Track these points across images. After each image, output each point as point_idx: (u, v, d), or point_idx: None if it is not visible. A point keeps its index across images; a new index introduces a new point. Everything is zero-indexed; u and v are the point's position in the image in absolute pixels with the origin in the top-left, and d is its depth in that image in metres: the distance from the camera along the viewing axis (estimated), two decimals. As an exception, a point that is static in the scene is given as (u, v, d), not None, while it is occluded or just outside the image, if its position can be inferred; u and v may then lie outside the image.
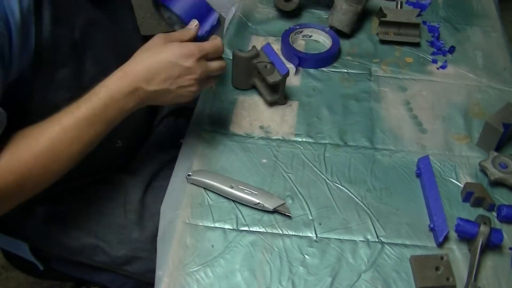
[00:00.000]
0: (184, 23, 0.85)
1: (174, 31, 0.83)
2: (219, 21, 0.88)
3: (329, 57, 1.09)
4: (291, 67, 1.07)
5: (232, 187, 0.83)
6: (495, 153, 0.88)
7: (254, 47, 0.98)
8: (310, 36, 1.16)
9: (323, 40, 1.15)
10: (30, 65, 0.70)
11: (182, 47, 0.76)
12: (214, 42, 0.80)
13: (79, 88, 0.77)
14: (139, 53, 0.76)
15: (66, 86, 0.76)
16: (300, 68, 1.08)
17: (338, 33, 1.14)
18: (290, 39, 1.11)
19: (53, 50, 0.72)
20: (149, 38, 1.11)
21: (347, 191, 0.86)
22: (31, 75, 0.71)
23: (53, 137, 0.70)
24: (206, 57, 0.78)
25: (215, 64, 0.80)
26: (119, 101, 0.73)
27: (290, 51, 1.08)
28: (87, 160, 0.77)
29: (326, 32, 1.14)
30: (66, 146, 0.71)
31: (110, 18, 0.85)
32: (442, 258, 0.76)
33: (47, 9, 0.70)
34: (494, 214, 0.83)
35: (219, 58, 0.81)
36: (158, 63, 0.75)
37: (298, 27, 1.14)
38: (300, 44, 1.14)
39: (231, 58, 1.00)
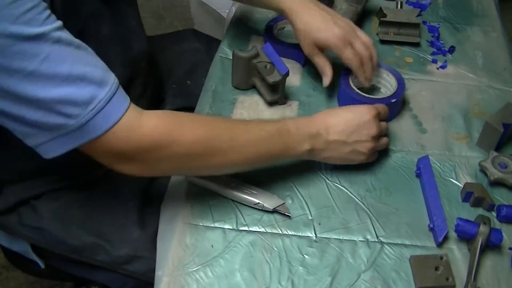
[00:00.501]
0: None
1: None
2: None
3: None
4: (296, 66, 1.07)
5: (232, 187, 0.83)
6: (495, 153, 0.88)
7: (254, 47, 0.98)
8: (283, 28, 1.15)
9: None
10: None
11: (359, 106, 0.85)
12: (383, 105, 0.88)
13: None
14: (325, 111, 0.85)
15: None
16: (301, 67, 1.08)
17: None
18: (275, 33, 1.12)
19: None
20: (148, 37, 1.10)
21: (346, 191, 0.86)
22: None
23: (235, 129, 0.76)
24: (379, 116, 0.85)
25: (384, 124, 0.87)
26: (300, 135, 0.80)
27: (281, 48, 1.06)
28: (90, 158, 0.77)
29: None
30: (244, 143, 0.76)
31: (113, 13, 0.85)
32: (441, 258, 0.76)
33: None
34: (494, 214, 0.83)
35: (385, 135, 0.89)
36: (340, 117, 0.83)
37: (272, 23, 1.13)
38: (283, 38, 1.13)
39: (231, 58, 1.00)
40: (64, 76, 0.63)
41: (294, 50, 1.07)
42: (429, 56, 1.13)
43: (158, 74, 1.07)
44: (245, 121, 0.78)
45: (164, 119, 0.71)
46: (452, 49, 1.14)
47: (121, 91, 0.69)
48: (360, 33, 0.96)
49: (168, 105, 1.08)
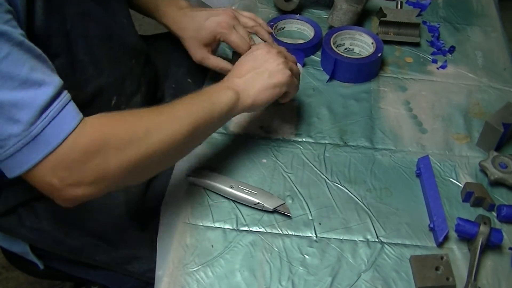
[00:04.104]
0: None
1: None
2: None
3: (316, 44, 1.12)
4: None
5: (232, 187, 0.83)
6: (495, 153, 0.88)
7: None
8: (283, 28, 1.16)
9: (298, 29, 1.18)
10: None
11: (262, 46, 0.88)
12: (281, 47, 0.91)
13: (73, 79, 0.78)
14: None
15: (61, 77, 0.76)
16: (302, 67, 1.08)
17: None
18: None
19: (47, 40, 0.72)
20: (147, 37, 1.10)
21: (347, 191, 0.86)
22: None
23: (161, 109, 0.75)
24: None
25: (289, 56, 0.89)
26: (218, 89, 0.81)
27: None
28: None
29: (298, 19, 1.17)
30: (174, 115, 0.75)
31: (103, 10, 0.85)
32: (442, 258, 0.76)
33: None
34: (494, 214, 0.83)
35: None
36: (240, 62, 0.86)
37: (271, 23, 1.14)
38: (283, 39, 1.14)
39: (231, 57, 1.00)
40: (22, 79, 0.62)
41: (294, 50, 1.07)
42: (429, 56, 1.13)
43: (155, 71, 1.07)
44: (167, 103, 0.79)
45: (100, 118, 0.70)
46: (452, 49, 1.14)
47: (73, 104, 0.67)
48: (241, 12, 1.02)
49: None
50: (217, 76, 1.06)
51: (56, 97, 0.65)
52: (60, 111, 0.65)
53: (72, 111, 0.66)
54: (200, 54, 0.99)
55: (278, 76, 0.84)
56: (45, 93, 0.63)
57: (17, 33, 0.62)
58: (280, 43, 1.08)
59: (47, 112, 0.63)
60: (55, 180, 0.66)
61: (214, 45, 1.00)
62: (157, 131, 0.72)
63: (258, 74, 0.84)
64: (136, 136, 0.70)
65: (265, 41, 0.99)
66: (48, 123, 0.63)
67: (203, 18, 0.97)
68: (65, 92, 0.67)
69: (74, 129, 0.65)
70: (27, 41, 0.63)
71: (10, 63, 0.61)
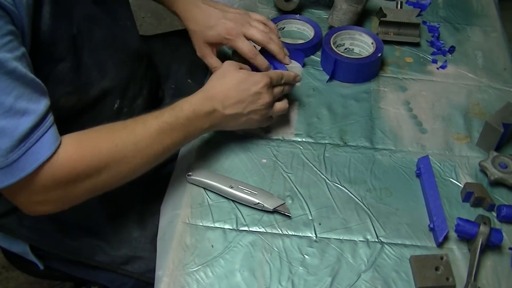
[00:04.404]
0: None
1: None
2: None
3: (316, 44, 1.12)
4: (297, 66, 1.07)
5: (232, 187, 0.83)
6: (495, 153, 0.88)
7: (254, 47, 0.98)
8: (283, 28, 1.16)
9: (298, 29, 1.18)
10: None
11: (252, 75, 0.86)
12: (276, 72, 0.90)
13: (77, 82, 0.78)
14: (216, 77, 0.85)
15: (65, 80, 0.77)
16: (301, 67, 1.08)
17: None
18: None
19: (52, 44, 0.73)
20: (148, 37, 1.10)
21: (347, 191, 0.86)
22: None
23: (137, 133, 0.75)
24: (272, 84, 0.87)
25: (277, 90, 0.89)
26: (198, 118, 0.80)
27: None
28: None
29: (298, 19, 1.17)
30: (148, 144, 0.75)
31: (107, 14, 0.85)
32: (442, 258, 0.76)
33: (47, 5, 0.70)
34: (494, 214, 0.83)
35: (282, 85, 0.90)
36: (234, 88, 0.83)
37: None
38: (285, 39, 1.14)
39: (231, 57, 1.00)
40: (7, 107, 0.62)
41: (294, 50, 1.07)
42: (429, 56, 1.13)
43: (156, 74, 1.07)
44: (144, 118, 0.77)
45: (76, 144, 0.70)
46: (452, 49, 1.14)
47: (54, 129, 0.68)
48: (254, 15, 0.99)
49: (167, 105, 1.08)
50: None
51: (37, 126, 0.65)
52: (38, 140, 0.65)
53: (51, 139, 0.67)
54: (203, 51, 0.99)
55: (252, 124, 0.88)
56: (27, 122, 0.64)
57: (12, 57, 0.62)
58: None
59: (25, 142, 0.64)
60: (22, 198, 0.70)
61: (219, 46, 1.00)
62: (128, 162, 0.74)
63: (240, 116, 0.85)
64: (107, 167, 0.72)
65: (275, 54, 0.97)
66: (25, 152, 0.64)
67: (215, 17, 0.96)
68: (48, 117, 0.67)
69: (49, 158, 0.66)
70: (19, 68, 0.63)
71: None
